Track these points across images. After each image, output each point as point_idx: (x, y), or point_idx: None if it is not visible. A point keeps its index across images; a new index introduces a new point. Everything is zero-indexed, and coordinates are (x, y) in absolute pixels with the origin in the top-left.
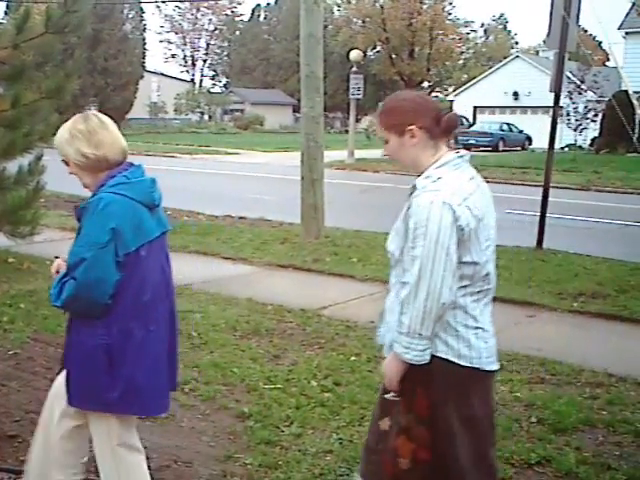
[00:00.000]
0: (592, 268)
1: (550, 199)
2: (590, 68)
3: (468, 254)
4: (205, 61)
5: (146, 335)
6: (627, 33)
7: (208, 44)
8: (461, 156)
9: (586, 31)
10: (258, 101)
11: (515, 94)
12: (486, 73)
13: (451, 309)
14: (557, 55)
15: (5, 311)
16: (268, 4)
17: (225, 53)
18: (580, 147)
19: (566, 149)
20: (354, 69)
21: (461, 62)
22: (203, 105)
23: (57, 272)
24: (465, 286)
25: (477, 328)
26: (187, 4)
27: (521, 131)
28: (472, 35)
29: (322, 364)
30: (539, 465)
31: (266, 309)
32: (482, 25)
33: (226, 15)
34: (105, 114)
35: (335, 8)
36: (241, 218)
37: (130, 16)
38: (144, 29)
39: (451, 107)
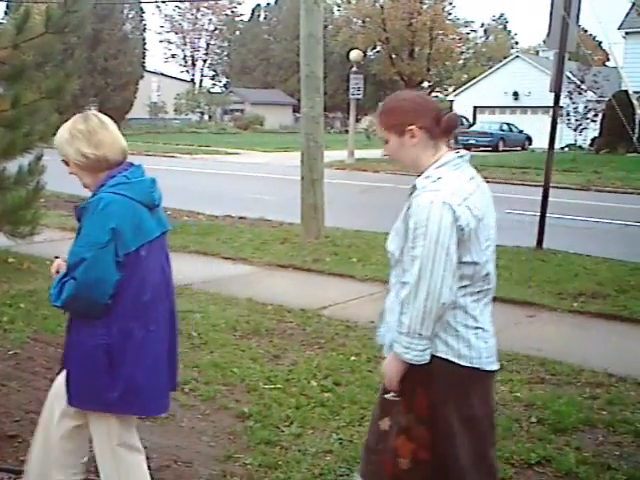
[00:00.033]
0: (592, 268)
1: (550, 199)
2: (590, 68)
3: (468, 254)
4: (205, 61)
5: (146, 335)
6: (627, 33)
7: (208, 44)
8: (461, 156)
9: (586, 31)
10: (258, 101)
11: (515, 94)
12: (486, 73)
13: (451, 309)
14: (557, 55)
15: (5, 311)
16: (268, 4)
17: (225, 53)
18: (580, 147)
19: (566, 149)
20: (354, 69)
21: (461, 62)
22: (203, 105)
23: (57, 272)
24: (465, 286)
25: (477, 328)
26: (187, 4)
27: (521, 131)
28: (472, 35)
29: (322, 364)
30: (539, 465)
31: (266, 309)
32: (482, 25)
33: (226, 15)
34: (105, 114)
35: (335, 8)
36: (241, 218)
37: (130, 16)
38: (144, 29)
39: (451, 107)
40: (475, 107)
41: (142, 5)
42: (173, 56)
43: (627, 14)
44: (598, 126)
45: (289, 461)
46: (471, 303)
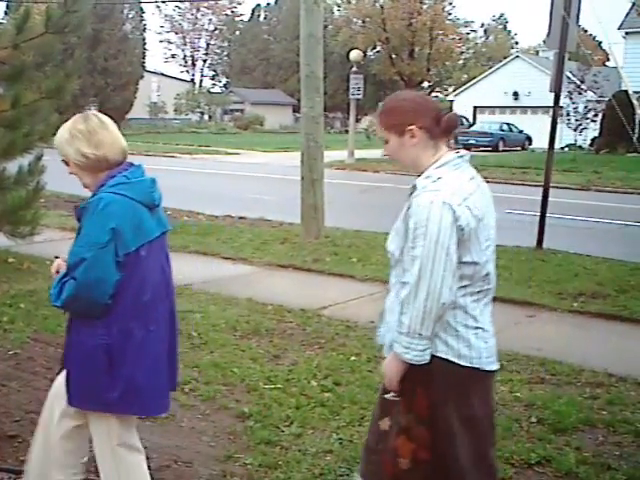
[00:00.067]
0: (592, 268)
1: (550, 199)
2: (590, 68)
3: (468, 254)
4: (205, 61)
5: (146, 335)
6: (627, 33)
7: (208, 44)
8: (461, 156)
9: (586, 31)
10: (258, 101)
11: (515, 94)
12: (486, 73)
13: (451, 309)
14: (557, 55)
15: (5, 311)
16: (268, 4)
17: (225, 53)
18: (580, 147)
19: (566, 149)
20: (354, 69)
21: (461, 62)
22: (203, 105)
23: (57, 272)
24: (465, 286)
25: (477, 328)
26: (187, 4)
27: (521, 131)
28: (472, 35)
29: (322, 364)
30: (539, 465)
31: (266, 309)
32: (482, 25)
33: (226, 15)
34: (105, 114)
35: (335, 8)
36: (241, 218)
37: (130, 16)
38: (144, 29)
39: (451, 107)
40: (475, 107)
41: (142, 5)
42: (173, 56)
43: (627, 14)
44: (598, 126)
45: (289, 461)
46: (471, 303)
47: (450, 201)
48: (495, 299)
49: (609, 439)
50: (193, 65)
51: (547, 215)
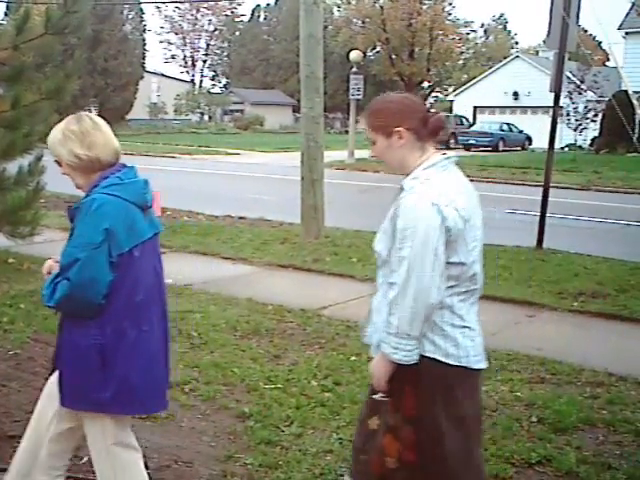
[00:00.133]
0: (592, 268)
1: (550, 199)
2: (590, 68)
3: (455, 255)
4: (205, 62)
5: (139, 335)
6: (627, 33)
7: (208, 45)
8: (448, 157)
9: (586, 31)
10: (258, 101)
11: (515, 94)
12: (486, 73)
13: (438, 309)
14: (557, 55)
15: (5, 311)
16: (268, 5)
17: (225, 54)
18: (580, 147)
19: (566, 149)
20: (354, 69)
21: (461, 62)
22: (203, 106)
23: (49, 273)
24: (452, 286)
25: (464, 327)
26: (187, 5)
27: (521, 131)
28: (472, 35)
29: (322, 364)
30: (540, 464)
31: (266, 309)
32: (482, 25)
33: (226, 16)
34: (105, 115)
35: (335, 9)
36: (241, 218)
37: (130, 17)
38: (144, 30)
39: (451, 107)
40: (475, 107)
41: (142, 6)
42: (173, 57)
43: (627, 14)
44: (598, 126)
45: (289, 461)
46: (458, 303)
47: (438, 202)
48: (495, 299)
49: (609, 438)
50: (193, 66)
51: (547, 215)
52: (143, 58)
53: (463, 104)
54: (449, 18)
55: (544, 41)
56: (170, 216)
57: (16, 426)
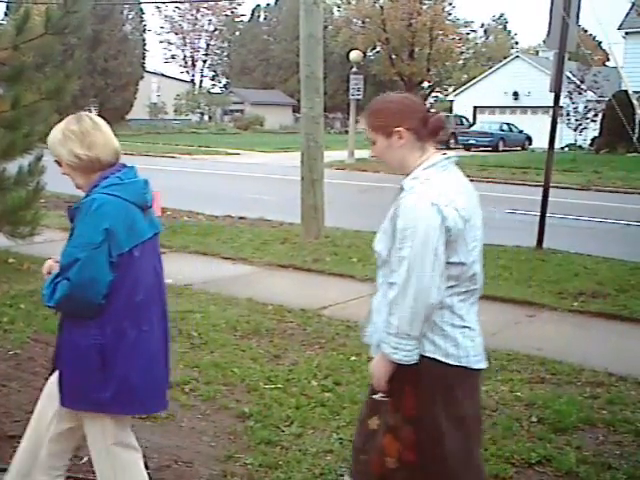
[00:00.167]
0: (592, 268)
1: (550, 199)
2: (590, 68)
3: (455, 255)
4: (205, 62)
5: (139, 335)
6: (627, 33)
7: (208, 45)
8: (448, 157)
9: (586, 31)
10: (258, 101)
11: (515, 94)
12: (486, 73)
13: (438, 309)
14: (557, 55)
15: (5, 311)
16: (268, 4)
17: (225, 54)
18: (580, 147)
19: (566, 149)
20: (354, 69)
21: (461, 62)
22: (203, 106)
23: (48, 273)
24: (452, 286)
25: (464, 327)
26: (187, 5)
27: (521, 131)
28: (472, 35)
29: (322, 364)
30: (540, 464)
31: (266, 309)
32: (482, 25)
33: (226, 16)
34: (105, 115)
35: (335, 9)
36: (241, 218)
37: (130, 17)
38: (144, 30)
39: (451, 107)
40: (475, 107)
41: (142, 6)
42: (173, 57)
43: (627, 14)
44: (598, 126)
45: (289, 461)
46: (457, 303)
47: (438, 202)
48: (495, 299)
49: (609, 438)
50: (193, 66)
51: (547, 215)
52: (143, 58)
53: (463, 104)
54: (449, 18)
55: (544, 41)
56: (170, 216)
57: (16, 426)
